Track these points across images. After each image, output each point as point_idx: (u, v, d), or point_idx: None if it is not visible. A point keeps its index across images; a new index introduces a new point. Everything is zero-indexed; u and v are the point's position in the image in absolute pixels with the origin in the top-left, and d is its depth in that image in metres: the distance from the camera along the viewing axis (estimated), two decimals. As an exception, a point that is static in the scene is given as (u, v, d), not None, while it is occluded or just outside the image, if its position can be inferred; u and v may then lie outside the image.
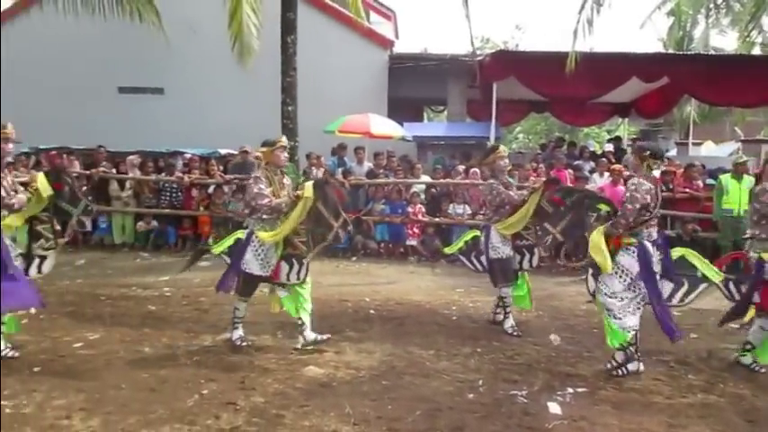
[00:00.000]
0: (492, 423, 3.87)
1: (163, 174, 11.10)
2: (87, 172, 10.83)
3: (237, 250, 5.29)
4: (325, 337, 5.34)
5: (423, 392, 4.37)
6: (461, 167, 11.26)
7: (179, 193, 10.90)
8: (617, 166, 9.89)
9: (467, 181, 10.72)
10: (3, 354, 4.84)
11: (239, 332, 5.42)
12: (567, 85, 11.66)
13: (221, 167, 11.27)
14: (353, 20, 12.51)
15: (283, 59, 10.97)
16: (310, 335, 5.31)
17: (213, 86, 15.04)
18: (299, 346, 5.31)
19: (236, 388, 4.37)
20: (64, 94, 15.06)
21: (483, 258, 6.08)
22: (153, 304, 6.85)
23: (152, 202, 10.93)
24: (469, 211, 10.41)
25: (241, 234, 5.36)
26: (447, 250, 6.73)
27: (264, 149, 5.41)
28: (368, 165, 11.38)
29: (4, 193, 4.82)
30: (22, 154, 11.44)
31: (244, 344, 5.32)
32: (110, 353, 5.15)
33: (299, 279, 5.32)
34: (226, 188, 10.63)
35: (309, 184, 5.27)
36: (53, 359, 4.94)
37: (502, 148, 6.28)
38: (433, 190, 11.05)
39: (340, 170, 11.22)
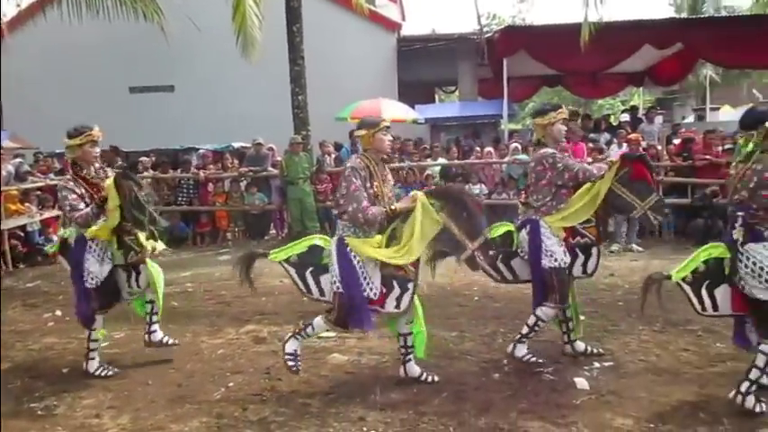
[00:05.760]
0: (519, 402, 3.85)
1: (178, 170, 11.16)
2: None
3: (317, 264, 4.13)
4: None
5: (448, 374, 4.35)
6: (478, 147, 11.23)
7: (195, 189, 10.95)
8: (634, 136, 9.74)
9: (483, 161, 10.66)
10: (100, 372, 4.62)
11: None
12: (578, 58, 11.51)
13: (236, 161, 11.30)
14: (356, 4, 12.38)
15: (290, 49, 10.93)
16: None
17: (223, 81, 15.10)
18: (322, 335, 5.31)
19: (261, 379, 4.39)
20: (76, 98, 15.18)
21: (516, 263, 4.55)
22: (176, 300, 6.88)
23: (170, 199, 11.00)
24: (486, 191, 10.34)
25: (322, 241, 4.25)
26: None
27: (363, 132, 4.04)
28: (381, 150, 11.32)
29: (68, 207, 4.40)
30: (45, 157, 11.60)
31: None
32: (136, 351, 5.18)
33: (399, 309, 4.05)
34: (242, 182, 10.67)
35: (419, 194, 3.93)
36: (80, 360, 4.98)
37: (564, 108, 4.67)
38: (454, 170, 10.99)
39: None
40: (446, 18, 61.08)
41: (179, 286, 7.65)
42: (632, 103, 23.51)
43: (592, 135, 11.52)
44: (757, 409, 3.57)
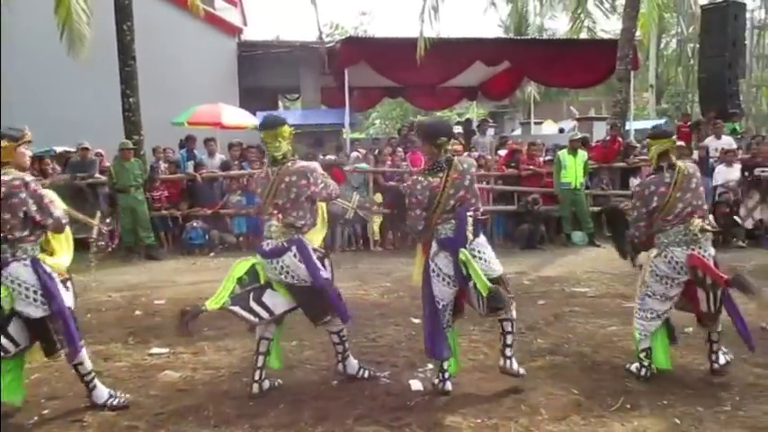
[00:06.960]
0: (356, 407, 3.87)
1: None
2: None
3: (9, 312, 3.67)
4: None
5: (286, 385, 4.28)
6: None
7: (10, 198, 9.91)
8: (457, 147, 10.25)
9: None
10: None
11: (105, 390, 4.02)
12: (415, 70, 11.98)
13: (58, 167, 10.40)
14: (191, 4, 11.90)
15: (120, 48, 10.30)
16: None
17: (44, 78, 13.74)
18: (153, 351, 5.03)
19: (82, 403, 4.03)
20: None
21: (268, 297, 4.06)
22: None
23: (-22, 209, 9.84)
24: (328, 198, 10.39)
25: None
26: (211, 306, 3.86)
27: (5, 144, 3.66)
28: (220, 156, 11.00)
29: None
30: None
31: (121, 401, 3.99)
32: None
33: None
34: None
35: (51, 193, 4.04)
36: None
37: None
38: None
39: (190, 163, 10.77)
40: (291, 26, 61.07)
41: (-12, 305, 6.86)
42: (467, 116, 24.94)
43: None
44: (521, 372, 4.15)
